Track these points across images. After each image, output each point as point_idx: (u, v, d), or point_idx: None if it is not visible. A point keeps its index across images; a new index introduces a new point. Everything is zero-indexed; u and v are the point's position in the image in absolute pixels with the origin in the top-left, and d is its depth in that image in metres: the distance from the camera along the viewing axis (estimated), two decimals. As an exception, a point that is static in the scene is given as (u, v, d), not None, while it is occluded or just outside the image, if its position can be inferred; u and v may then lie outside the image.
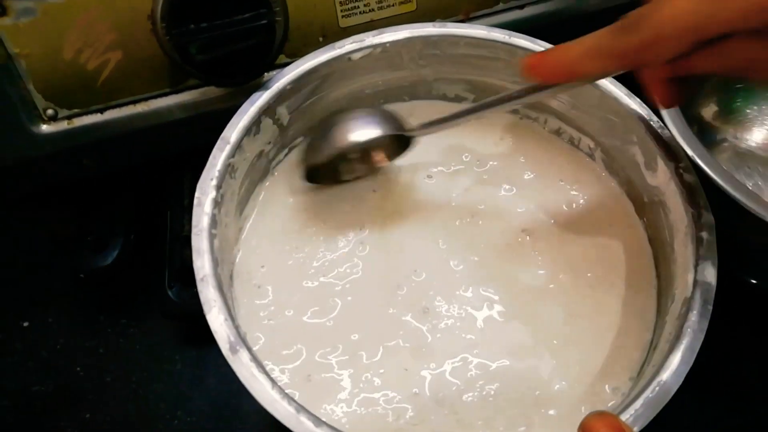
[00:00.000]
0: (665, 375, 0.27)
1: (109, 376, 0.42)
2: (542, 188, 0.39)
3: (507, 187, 0.39)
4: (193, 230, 0.30)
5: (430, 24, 0.37)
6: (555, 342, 0.34)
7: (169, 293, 0.41)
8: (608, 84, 0.36)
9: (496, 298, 0.35)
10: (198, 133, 0.35)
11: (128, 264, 0.43)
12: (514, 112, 0.41)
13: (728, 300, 0.33)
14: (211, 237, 0.30)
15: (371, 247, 0.36)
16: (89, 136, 0.37)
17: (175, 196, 0.44)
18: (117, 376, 0.42)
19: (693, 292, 0.30)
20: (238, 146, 0.33)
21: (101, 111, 0.37)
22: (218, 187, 0.31)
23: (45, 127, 0.36)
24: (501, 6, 0.42)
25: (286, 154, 0.39)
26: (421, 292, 0.35)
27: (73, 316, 0.44)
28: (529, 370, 0.33)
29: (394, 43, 0.36)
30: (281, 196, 0.38)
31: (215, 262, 0.29)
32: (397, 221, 0.37)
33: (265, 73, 0.37)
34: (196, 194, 0.31)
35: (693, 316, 0.29)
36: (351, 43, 0.36)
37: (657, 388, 0.27)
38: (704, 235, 0.31)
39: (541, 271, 0.36)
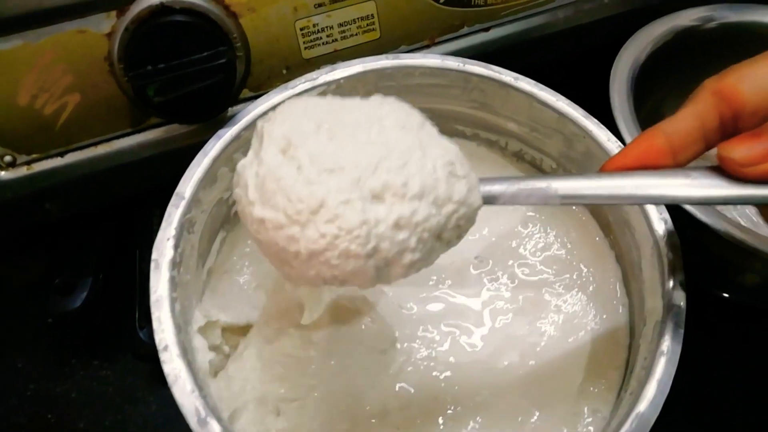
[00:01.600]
0: (642, 406, 0.27)
1: (82, 421, 0.40)
2: (500, 210, 0.38)
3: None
4: (152, 297, 0.28)
5: (384, 56, 0.36)
6: (531, 363, 0.33)
7: (140, 334, 0.39)
8: (565, 105, 0.36)
9: (465, 324, 0.35)
10: (164, 171, 0.34)
11: (98, 305, 0.41)
12: (473, 137, 0.41)
13: (700, 314, 0.32)
14: (172, 301, 0.28)
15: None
16: (50, 180, 0.36)
17: (143, 234, 0.42)
18: (90, 421, 0.40)
19: (664, 316, 0.29)
20: (193, 200, 0.31)
21: (62, 154, 0.36)
22: (176, 247, 0.29)
23: (3, 174, 0.35)
24: (466, 30, 0.42)
25: None
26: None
27: (43, 360, 0.43)
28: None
29: (348, 79, 0.35)
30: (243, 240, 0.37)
31: (177, 328, 0.27)
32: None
33: (230, 108, 0.36)
34: (153, 256, 0.29)
35: (665, 342, 0.28)
36: (303, 82, 0.35)
37: (635, 422, 0.26)
38: (670, 256, 0.31)
39: (507, 294, 0.35)
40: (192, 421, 0.25)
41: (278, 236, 0.22)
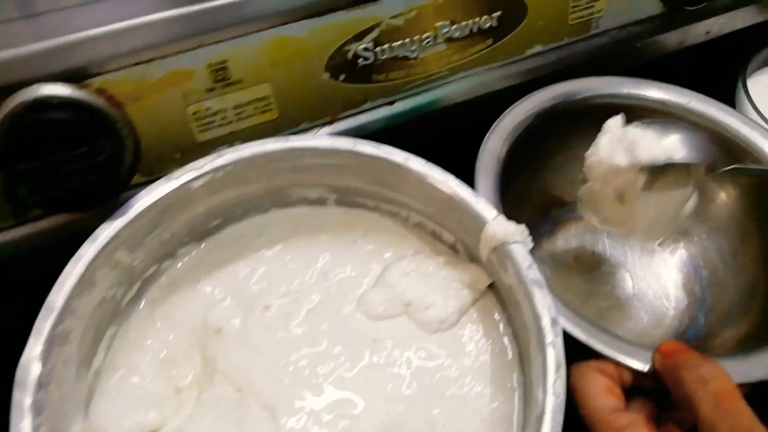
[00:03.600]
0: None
1: None
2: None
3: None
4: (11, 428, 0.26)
5: (273, 139, 0.35)
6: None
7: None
8: (455, 186, 0.35)
9: (357, 402, 0.33)
10: (57, 261, 0.31)
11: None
12: (375, 209, 0.40)
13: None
14: (35, 429, 0.26)
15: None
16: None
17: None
18: None
19: (543, 409, 0.28)
20: (66, 310, 0.29)
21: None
22: (44, 364, 0.27)
23: None
24: (369, 104, 0.40)
25: (137, 289, 0.35)
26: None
27: None
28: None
29: (236, 164, 0.34)
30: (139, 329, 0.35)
31: None
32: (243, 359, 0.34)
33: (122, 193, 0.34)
34: (17, 376, 0.27)
35: None
36: (188, 171, 0.33)
37: None
38: (551, 349, 0.30)
39: (403, 380, 0.34)
40: None
41: None
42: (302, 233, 0.39)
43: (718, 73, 0.58)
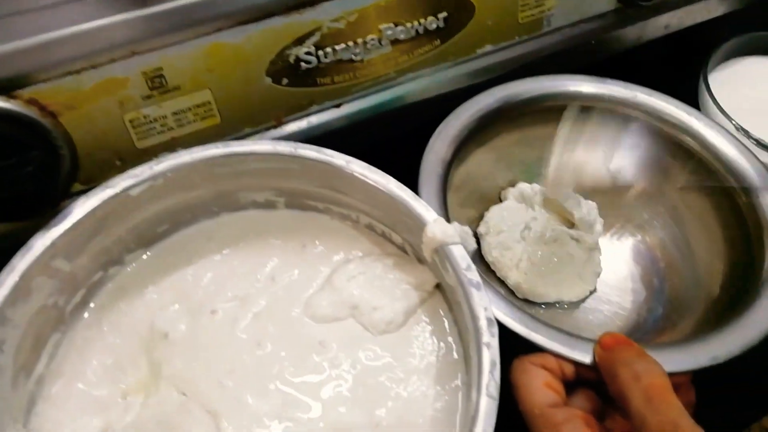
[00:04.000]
0: None
1: None
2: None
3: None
4: None
5: (212, 144, 0.34)
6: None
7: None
8: (396, 189, 0.35)
9: (301, 404, 0.33)
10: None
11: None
12: (325, 211, 0.39)
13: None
14: None
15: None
16: None
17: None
18: None
19: (477, 408, 0.28)
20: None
21: None
22: None
23: None
24: (315, 107, 0.40)
25: (83, 296, 0.35)
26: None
27: None
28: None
29: (176, 171, 0.34)
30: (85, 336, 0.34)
31: None
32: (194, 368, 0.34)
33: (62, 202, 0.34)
34: None
35: None
36: (126, 179, 0.33)
37: None
38: (485, 349, 0.30)
39: (347, 382, 0.34)
40: None
41: None
42: (252, 237, 0.39)
43: (683, 68, 0.58)
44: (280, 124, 0.39)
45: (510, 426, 0.30)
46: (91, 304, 0.35)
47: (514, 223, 0.46)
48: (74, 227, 0.32)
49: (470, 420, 0.29)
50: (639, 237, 0.48)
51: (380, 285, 0.37)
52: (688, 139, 0.44)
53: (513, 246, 0.45)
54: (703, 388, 0.35)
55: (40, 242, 0.31)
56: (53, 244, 0.31)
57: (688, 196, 0.46)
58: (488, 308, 0.31)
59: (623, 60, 0.53)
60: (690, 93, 0.51)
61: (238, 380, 0.34)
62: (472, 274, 0.32)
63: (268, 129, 0.39)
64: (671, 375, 0.31)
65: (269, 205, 0.39)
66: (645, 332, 0.44)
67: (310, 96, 0.39)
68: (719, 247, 0.43)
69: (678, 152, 0.45)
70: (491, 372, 0.29)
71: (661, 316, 0.45)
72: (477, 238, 0.45)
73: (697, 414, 0.30)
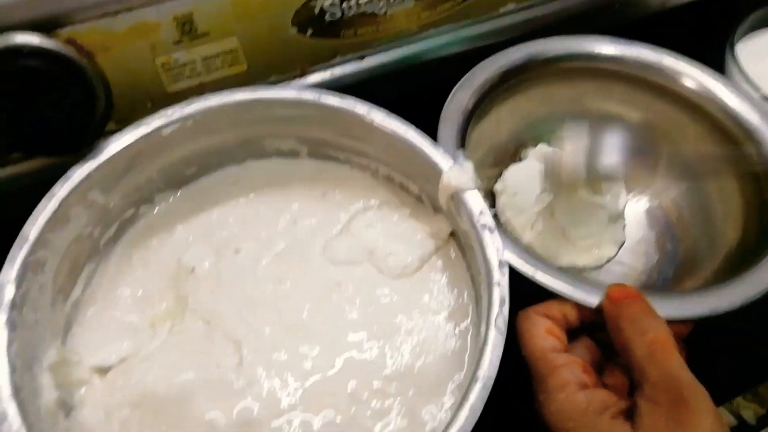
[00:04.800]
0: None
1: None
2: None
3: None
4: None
5: (240, 89, 0.36)
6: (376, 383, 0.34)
7: None
8: (415, 136, 0.35)
9: (314, 337, 0.35)
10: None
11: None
12: (346, 161, 0.40)
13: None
14: (9, 342, 0.28)
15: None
16: None
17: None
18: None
19: (485, 340, 0.29)
20: (40, 242, 0.31)
21: None
22: (18, 287, 0.29)
23: None
24: (339, 59, 0.41)
25: (116, 230, 0.37)
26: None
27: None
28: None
29: (205, 114, 0.35)
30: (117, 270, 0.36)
31: (12, 368, 0.28)
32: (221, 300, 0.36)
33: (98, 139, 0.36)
34: None
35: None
36: (158, 118, 0.34)
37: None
38: (496, 288, 0.31)
39: (363, 312, 0.35)
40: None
41: None
42: (275, 184, 0.40)
43: (706, 40, 0.57)
44: (304, 74, 0.40)
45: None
46: (123, 239, 0.37)
47: (532, 187, 0.46)
48: (109, 161, 0.33)
49: (478, 351, 0.30)
50: (657, 202, 0.48)
51: (396, 233, 0.38)
52: (710, 105, 0.44)
53: (527, 209, 0.45)
54: (705, 347, 0.35)
55: (78, 173, 0.32)
56: (89, 176, 0.33)
57: (708, 163, 0.46)
58: (500, 249, 0.32)
59: (647, 29, 0.53)
60: (714, 65, 0.50)
61: (259, 313, 0.35)
62: (486, 218, 0.33)
63: (292, 78, 0.40)
64: (669, 323, 0.31)
65: (293, 154, 0.41)
66: (652, 292, 0.44)
67: (333, 47, 0.40)
68: (735, 213, 0.43)
69: (699, 118, 0.45)
70: (500, 307, 0.30)
71: (671, 278, 0.45)
72: (493, 195, 0.46)
73: (699, 373, 0.30)
